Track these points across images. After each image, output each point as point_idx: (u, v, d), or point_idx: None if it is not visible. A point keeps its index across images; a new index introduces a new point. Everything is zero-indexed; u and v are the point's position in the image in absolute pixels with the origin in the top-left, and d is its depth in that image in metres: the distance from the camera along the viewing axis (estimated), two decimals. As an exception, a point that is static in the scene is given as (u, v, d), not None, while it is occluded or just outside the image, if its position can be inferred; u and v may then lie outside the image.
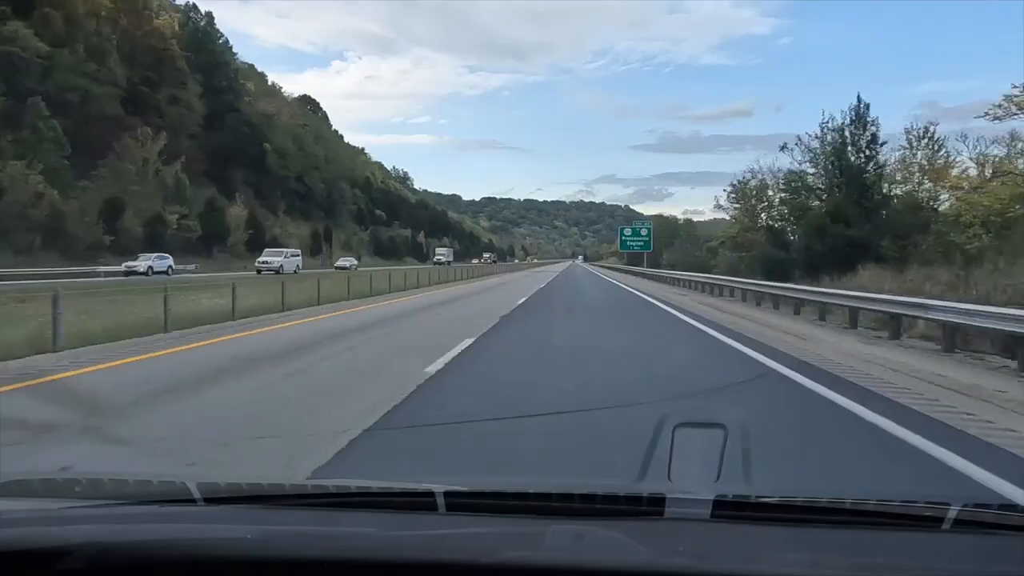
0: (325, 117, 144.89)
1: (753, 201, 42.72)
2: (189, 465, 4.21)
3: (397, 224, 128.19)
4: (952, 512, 1.18)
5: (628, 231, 65.99)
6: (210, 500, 1.32)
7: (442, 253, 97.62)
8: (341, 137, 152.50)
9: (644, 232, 64.20)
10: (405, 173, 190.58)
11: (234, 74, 78.21)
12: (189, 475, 1.71)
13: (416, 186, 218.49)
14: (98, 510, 1.29)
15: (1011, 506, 1.30)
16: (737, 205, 44.66)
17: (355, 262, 62.99)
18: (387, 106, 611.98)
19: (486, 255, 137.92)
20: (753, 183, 43.34)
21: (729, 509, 1.21)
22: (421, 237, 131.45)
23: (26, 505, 1.33)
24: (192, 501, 1.32)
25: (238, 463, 4.34)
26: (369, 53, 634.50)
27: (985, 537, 1.17)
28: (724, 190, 46.01)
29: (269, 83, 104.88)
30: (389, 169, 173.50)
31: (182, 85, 65.87)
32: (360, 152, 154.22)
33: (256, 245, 60.66)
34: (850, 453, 4.74)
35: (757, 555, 1.11)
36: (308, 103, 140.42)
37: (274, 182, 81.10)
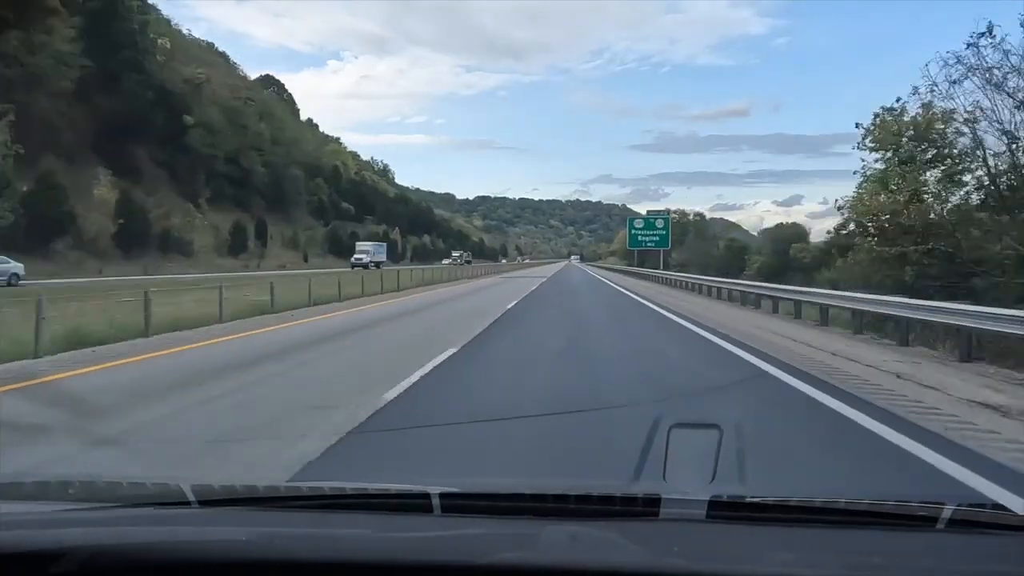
0: (291, 100, 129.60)
1: (917, 153, 20.79)
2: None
3: (370, 220, 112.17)
4: (946, 512, 1.17)
5: (639, 224, 50.61)
6: (205, 503, 1.31)
7: (364, 250, 66.31)
8: (316, 126, 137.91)
9: (660, 225, 48.84)
10: (385, 165, 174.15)
11: (140, 26, 62.04)
12: (183, 477, 1.58)
13: (410, 184, 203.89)
14: (92, 513, 1.28)
15: (1005, 507, 1.27)
16: (882, 162, 22.21)
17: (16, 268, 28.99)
18: (384, 106, 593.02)
19: (456, 254, 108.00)
20: (912, 114, 21.19)
21: (724, 509, 1.21)
22: (396, 234, 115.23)
23: (19, 508, 1.33)
24: (187, 504, 1.31)
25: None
26: (366, 53, 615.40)
27: (979, 537, 1.16)
28: (860, 127, 23.18)
29: (232, 59, 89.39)
30: (367, 160, 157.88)
31: (50, 30, 49.93)
32: (332, 140, 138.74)
33: (130, 239, 44.79)
34: None
35: (752, 555, 1.11)
36: (271, 83, 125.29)
37: (196, 162, 65.18)
